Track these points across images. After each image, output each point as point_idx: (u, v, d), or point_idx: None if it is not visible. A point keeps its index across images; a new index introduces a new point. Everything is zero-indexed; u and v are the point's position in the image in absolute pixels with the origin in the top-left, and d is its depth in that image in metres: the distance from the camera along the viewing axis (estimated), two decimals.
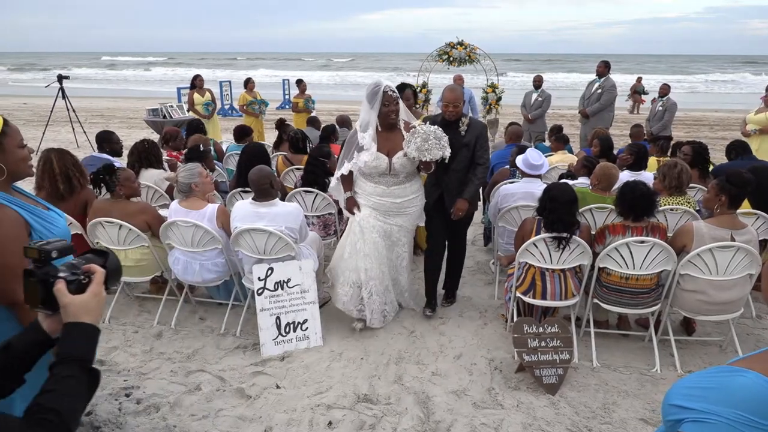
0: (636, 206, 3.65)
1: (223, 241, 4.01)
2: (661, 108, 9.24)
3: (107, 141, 5.63)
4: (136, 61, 70.44)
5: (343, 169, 4.06)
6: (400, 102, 3.99)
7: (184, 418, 3.17)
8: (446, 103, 4.07)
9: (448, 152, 3.79)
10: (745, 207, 4.24)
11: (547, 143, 8.35)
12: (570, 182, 4.80)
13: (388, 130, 3.99)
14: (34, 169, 2.33)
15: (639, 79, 20.50)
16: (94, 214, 4.11)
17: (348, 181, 4.14)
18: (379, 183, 4.02)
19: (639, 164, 5.09)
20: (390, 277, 4.23)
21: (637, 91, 19.76)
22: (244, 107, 10.74)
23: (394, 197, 4.03)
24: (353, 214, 4.07)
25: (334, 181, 4.21)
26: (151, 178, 5.27)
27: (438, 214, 4.29)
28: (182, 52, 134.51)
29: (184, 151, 6.17)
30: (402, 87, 4.93)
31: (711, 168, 5.50)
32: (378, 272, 4.07)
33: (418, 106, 10.44)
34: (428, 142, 3.70)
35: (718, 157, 9.93)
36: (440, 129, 3.79)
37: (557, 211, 3.61)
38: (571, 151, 7.04)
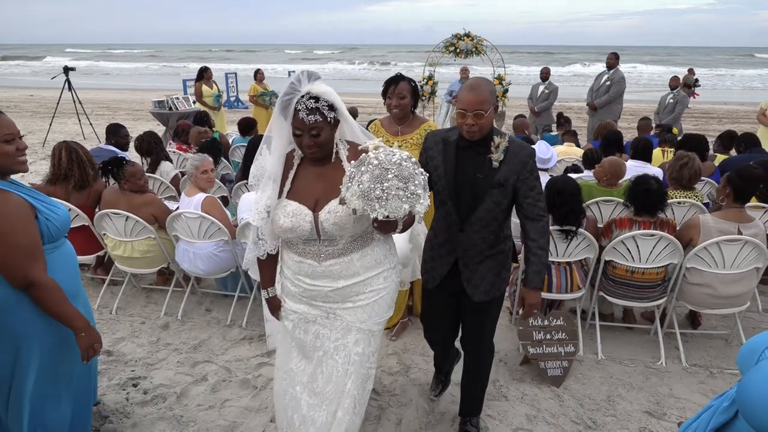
0: (644, 200, 3.63)
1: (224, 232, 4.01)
2: (672, 100, 9.18)
3: (114, 134, 5.71)
4: (98, 53, 67.70)
5: (259, 250, 2.34)
6: (345, 121, 2.21)
7: (191, 408, 3.21)
8: (462, 110, 2.35)
9: (422, 205, 1.95)
10: (753, 201, 4.21)
11: (554, 132, 8.31)
12: (576, 175, 4.79)
13: (316, 163, 2.24)
14: (29, 165, 2.29)
15: (690, 71, 18.67)
16: (104, 204, 4.19)
17: (269, 266, 2.44)
18: (304, 255, 2.26)
19: (642, 155, 5.04)
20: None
21: (687, 84, 17.83)
22: (255, 98, 10.74)
23: (333, 278, 2.26)
24: (279, 319, 2.48)
25: (249, 255, 2.38)
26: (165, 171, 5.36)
27: (446, 293, 2.70)
28: (167, 44, 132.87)
29: (193, 146, 6.22)
30: (395, 79, 3.57)
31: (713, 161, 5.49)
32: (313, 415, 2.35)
33: (420, 108, 8.75)
34: (383, 183, 1.89)
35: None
36: (411, 158, 2.01)
37: (567, 204, 3.59)
38: (578, 144, 7.01)
